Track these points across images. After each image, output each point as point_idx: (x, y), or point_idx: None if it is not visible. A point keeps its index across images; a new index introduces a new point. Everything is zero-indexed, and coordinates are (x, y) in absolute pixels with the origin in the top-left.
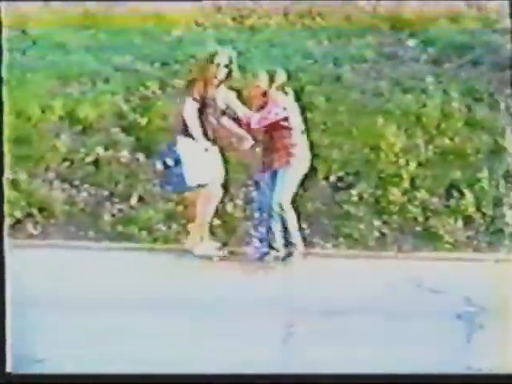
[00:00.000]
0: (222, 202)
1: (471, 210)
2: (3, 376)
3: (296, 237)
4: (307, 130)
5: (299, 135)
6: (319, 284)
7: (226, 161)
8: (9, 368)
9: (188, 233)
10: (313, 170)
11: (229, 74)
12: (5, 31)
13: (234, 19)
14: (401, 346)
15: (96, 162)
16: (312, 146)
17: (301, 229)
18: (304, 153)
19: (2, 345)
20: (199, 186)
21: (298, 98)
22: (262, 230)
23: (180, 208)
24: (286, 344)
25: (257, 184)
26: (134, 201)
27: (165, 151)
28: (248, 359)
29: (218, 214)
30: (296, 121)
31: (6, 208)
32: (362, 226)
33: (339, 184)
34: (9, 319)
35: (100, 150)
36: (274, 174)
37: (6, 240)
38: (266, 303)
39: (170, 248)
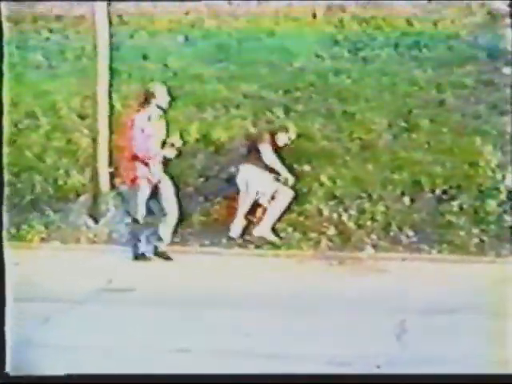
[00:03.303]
0: (337, 212)
1: None
2: (2, 376)
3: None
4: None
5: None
6: (425, 286)
7: (341, 176)
8: (8, 368)
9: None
10: (418, 184)
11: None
12: (149, 64)
13: (349, 51)
14: (500, 344)
15: (228, 179)
16: (417, 164)
17: (408, 236)
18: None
19: (1, 345)
20: None
21: None
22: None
23: (301, 218)
24: (399, 339)
25: None
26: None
27: None
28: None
29: (334, 223)
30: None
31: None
32: (462, 234)
33: (443, 196)
34: (9, 319)
35: (232, 168)
36: None
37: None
38: (380, 302)
39: (293, 254)
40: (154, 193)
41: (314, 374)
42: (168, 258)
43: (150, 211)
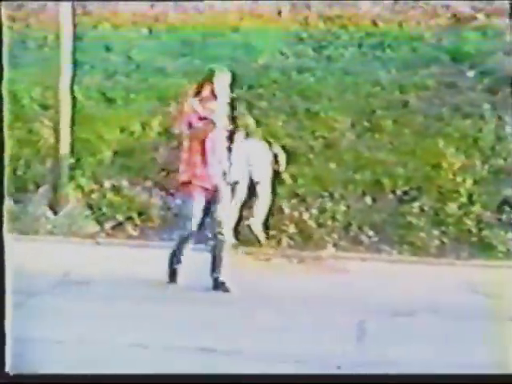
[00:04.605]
0: (298, 210)
1: None
2: (2, 376)
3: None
4: (375, 150)
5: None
6: (385, 287)
7: (304, 174)
8: (8, 368)
9: None
10: (380, 184)
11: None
12: (112, 56)
13: (313, 49)
14: (457, 346)
15: None
16: (380, 164)
17: (369, 237)
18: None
19: (1, 345)
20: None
21: None
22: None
23: None
24: (359, 340)
25: None
26: None
27: None
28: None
29: (295, 221)
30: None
31: (108, 211)
32: (423, 235)
33: (404, 197)
34: (8, 318)
35: None
36: None
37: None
38: (339, 302)
39: (253, 251)
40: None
41: (314, 374)
42: (227, 290)
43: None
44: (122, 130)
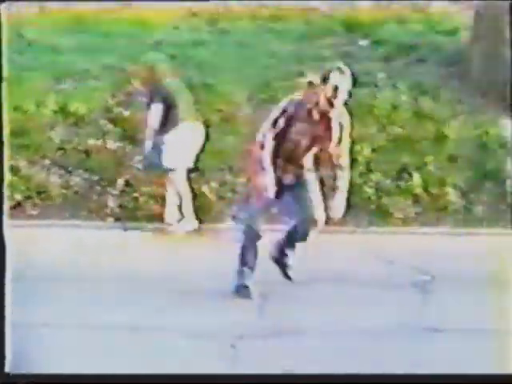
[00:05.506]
0: (198, 184)
1: (419, 190)
2: (2, 376)
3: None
4: None
5: None
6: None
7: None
8: (8, 368)
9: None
10: None
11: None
12: (3, 33)
13: (207, 23)
14: (363, 311)
15: (87, 151)
16: None
17: None
18: None
19: (1, 345)
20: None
21: None
22: None
23: (161, 190)
24: (260, 310)
25: None
26: (120, 184)
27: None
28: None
29: (195, 195)
30: None
31: (7, 191)
32: None
33: None
34: (8, 318)
35: (90, 140)
36: None
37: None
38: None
39: (155, 228)
40: None
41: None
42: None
43: None
44: (16, 109)
